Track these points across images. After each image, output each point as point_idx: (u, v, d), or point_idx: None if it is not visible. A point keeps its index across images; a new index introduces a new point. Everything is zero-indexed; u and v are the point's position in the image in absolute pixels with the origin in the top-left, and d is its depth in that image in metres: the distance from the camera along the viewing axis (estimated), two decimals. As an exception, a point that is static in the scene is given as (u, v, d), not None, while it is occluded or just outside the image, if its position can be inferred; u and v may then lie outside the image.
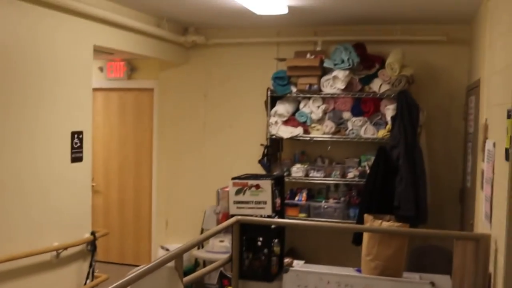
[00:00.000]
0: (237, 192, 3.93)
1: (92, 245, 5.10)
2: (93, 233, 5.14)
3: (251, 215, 3.94)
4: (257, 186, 3.92)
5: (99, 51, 5.44)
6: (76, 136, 4.94)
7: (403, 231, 3.85)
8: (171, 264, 2.99)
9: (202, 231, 6.95)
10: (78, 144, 4.98)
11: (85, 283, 5.05)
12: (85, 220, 5.17)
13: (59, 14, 4.67)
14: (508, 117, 3.13)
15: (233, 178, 4.02)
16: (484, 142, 4.16)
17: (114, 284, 2.32)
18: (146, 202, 7.49)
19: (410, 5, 5.33)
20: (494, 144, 3.67)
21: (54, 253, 4.66)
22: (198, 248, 6.29)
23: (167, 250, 6.80)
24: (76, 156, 4.95)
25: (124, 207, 7.62)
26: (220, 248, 6.23)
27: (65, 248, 4.73)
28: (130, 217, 7.60)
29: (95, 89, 5.29)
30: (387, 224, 3.88)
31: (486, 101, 4.46)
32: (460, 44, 6.13)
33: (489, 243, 3.50)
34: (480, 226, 4.35)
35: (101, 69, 7.47)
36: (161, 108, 7.30)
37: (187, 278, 3.33)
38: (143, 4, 5.55)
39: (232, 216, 3.94)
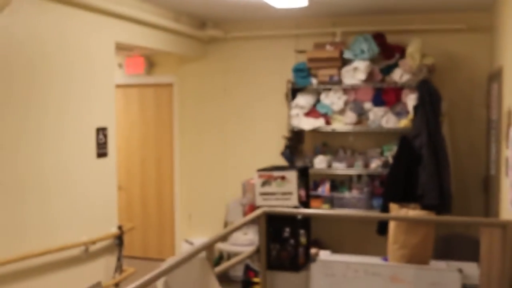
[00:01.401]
0: (263, 184, 3.96)
1: (119, 239, 5.17)
2: (120, 227, 5.21)
3: (277, 206, 3.97)
4: (283, 178, 3.94)
5: (118, 47, 5.48)
6: (101, 132, 5.00)
7: (430, 219, 3.85)
8: (202, 255, 3.04)
9: (225, 224, 7.00)
10: (103, 140, 5.04)
11: (113, 277, 5.12)
12: (111, 215, 5.23)
13: (81, 11, 4.72)
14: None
15: (259, 170, 4.05)
16: (508, 129, 4.15)
17: (150, 274, 2.36)
18: (169, 196, 7.55)
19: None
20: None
21: (83, 247, 4.73)
22: (222, 242, 6.33)
23: (191, 243, 6.85)
24: (102, 151, 5.02)
25: (147, 202, 7.69)
26: (244, 241, 6.28)
27: (94, 243, 4.80)
28: (153, 212, 7.66)
29: (115, 86, 5.35)
30: (413, 212, 3.88)
31: (509, 88, 4.44)
32: (480, 32, 6.08)
33: (516, 229, 3.50)
34: (506, 213, 4.34)
35: (120, 65, 7.52)
36: (181, 103, 7.34)
37: (215, 270, 3.37)
38: None
39: (258, 207, 3.97)
